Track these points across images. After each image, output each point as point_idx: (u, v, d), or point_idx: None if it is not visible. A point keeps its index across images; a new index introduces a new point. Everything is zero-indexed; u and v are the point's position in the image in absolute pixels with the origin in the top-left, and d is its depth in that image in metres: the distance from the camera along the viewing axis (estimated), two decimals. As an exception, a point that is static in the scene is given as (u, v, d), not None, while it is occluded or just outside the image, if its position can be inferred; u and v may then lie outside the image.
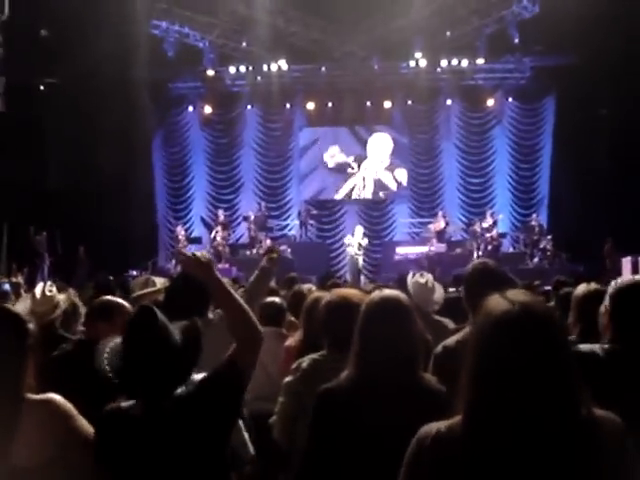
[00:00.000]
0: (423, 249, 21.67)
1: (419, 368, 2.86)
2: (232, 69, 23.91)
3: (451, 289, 8.03)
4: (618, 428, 1.89)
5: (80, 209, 19.89)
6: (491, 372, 1.84)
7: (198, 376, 2.71)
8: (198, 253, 2.96)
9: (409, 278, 5.89)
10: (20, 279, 16.33)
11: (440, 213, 22.47)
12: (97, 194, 20.43)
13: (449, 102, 24.72)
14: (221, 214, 22.63)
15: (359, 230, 21.50)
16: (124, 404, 2.65)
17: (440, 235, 21.76)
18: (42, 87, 21.97)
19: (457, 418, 1.92)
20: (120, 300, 4.14)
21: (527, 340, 1.83)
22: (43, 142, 20.35)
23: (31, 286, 12.97)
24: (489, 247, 21.09)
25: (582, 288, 4.15)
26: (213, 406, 2.63)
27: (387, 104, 24.55)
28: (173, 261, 22.33)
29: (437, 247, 21.35)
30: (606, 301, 3.08)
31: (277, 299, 5.59)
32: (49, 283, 4.71)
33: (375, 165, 24.92)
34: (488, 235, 21.34)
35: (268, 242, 21.10)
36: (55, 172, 20.87)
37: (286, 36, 23.07)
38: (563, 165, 22.20)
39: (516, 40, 22.73)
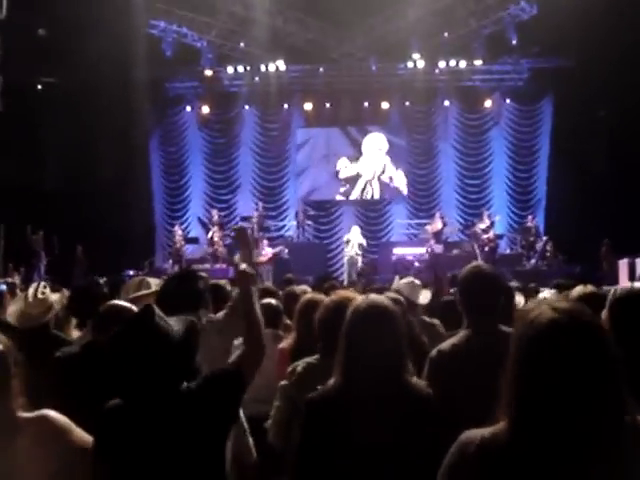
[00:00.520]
0: (420, 250, 21.67)
1: (406, 374, 2.85)
2: (230, 69, 23.91)
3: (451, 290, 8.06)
4: None
5: (77, 209, 19.88)
6: (540, 381, 1.83)
7: (201, 376, 2.73)
8: (245, 266, 3.06)
9: (395, 281, 6.06)
10: (17, 279, 16.34)
11: (437, 214, 22.44)
12: (94, 193, 20.41)
13: (447, 103, 24.74)
14: (215, 214, 22.57)
15: (356, 230, 21.52)
16: (124, 401, 2.65)
17: (437, 236, 21.74)
18: (40, 86, 21.96)
19: (500, 425, 1.92)
20: (130, 305, 4.13)
21: (576, 348, 1.82)
22: (41, 141, 20.34)
23: (28, 286, 12.99)
24: (486, 248, 21.08)
25: (578, 290, 4.16)
26: (213, 406, 2.63)
27: (385, 105, 24.58)
28: (170, 261, 22.35)
29: (434, 248, 21.34)
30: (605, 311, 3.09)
31: (273, 301, 5.59)
32: (42, 284, 4.68)
33: (373, 165, 24.93)
34: (485, 236, 21.32)
35: (265, 242, 21.13)
36: (52, 171, 20.87)
37: (284, 37, 23.07)
38: (560, 167, 22.22)
39: (514, 42, 22.74)
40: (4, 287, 6.15)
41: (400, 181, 24.94)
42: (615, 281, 17.13)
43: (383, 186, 25.01)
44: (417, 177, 25.13)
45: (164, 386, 2.59)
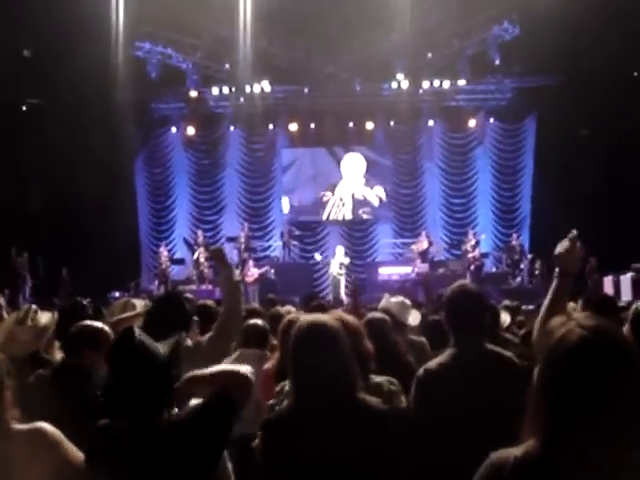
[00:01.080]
0: (406, 270, 21.71)
1: (356, 391, 2.82)
2: (215, 90, 23.93)
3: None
4: None
5: (62, 230, 19.82)
6: (572, 398, 1.83)
7: (192, 402, 2.71)
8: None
9: (384, 299, 5.98)
10: (1, 300, 16.21)
11: (423, 233, 22.49)
12: (79, 215, 20.36)
13: (431, 123, 24.85)
14: (201, 235, 22.52)
15: (340, 250, 21.54)
16: (113, 423, 2.63)
17: (423, 255, 21.78)
18: (24, 107, 21.93)
19: (531, 443, 1.90)
20: (103, 325, 4.10)
21: (607, 364, 1.82)
22: (25, 163, 20.29)
23: (12, 308, 12.89)
24: (472, 267, 21.14)
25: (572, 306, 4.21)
26: (202, 434, 2.61)
27: (369, 125, 24.68)
28: (156, 282, 22.28)
29: (420, 267, 21.38)
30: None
31: (260, 321, 5.56)
32: (33, 308, 4.61)
33: (351, 185, 25.00)
34: (471, 255, 21.38)
35: (251, 263, 21.13)
36: (37, 192, 20.83)
37: (269, 58, 23.15)
38: (544, 185, 22.33)
39: (497, 62, 22.92)
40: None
41: (373, 196, 24.98)
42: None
43: (357, 205, 25.04)
44: (402, 197, 25.19)
45: (149, 408, 2.58)
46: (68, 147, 19.67)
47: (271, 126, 25.04)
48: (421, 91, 23.78)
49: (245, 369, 2.71)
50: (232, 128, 25.18)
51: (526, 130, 24.46)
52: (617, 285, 18.19)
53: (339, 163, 25.12)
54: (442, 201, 25.07)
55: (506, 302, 7.97)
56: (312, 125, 24.80)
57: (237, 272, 21.43)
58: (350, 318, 3.62)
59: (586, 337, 1.86)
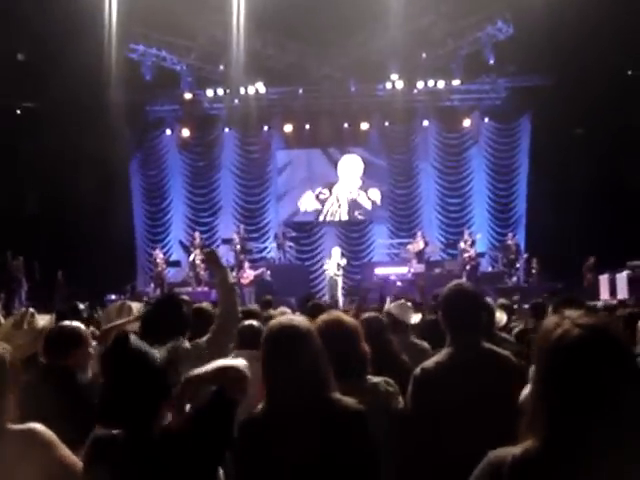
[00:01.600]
0: (402, 270, 21.73)
1: (329, 391, 2.81)
2: (210, 92, 23.93)
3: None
4: None
5: (58, 233, 19.81)
6: (571, 398, 1.83)
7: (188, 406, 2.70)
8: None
9: (387, 304, 6.02)
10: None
11: (419, 233, 22.50)
12: (74, 218, 20.35)
13: (426, 123, 24.87)
14: (197, 237, 22.54)
15: (336, 251, 21.54)
16: (110, 432, 2.61)
17: (419, 256, 21.79)
18: (19, 111, 21.90)
19: (529, 442, 1.90)
20: (81, 326, 4.11)
21: (605, 363, 1.83)
22: (20, 166, 20.26)
23: (8, 312, 12.88)
24: (468, 267, 21.16)
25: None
26: (204, 439, 2.58)
27: (364, 126, 24.68)
28: (152, 285, 22.26)
29: (416, 268, 21.40)
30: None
31: (255, 322, 5.56)
32: (30, 311, 4.60)
33: (347, 186, 25.02)
34: (467, 255, 21.41)
35: (246, 265, 21.14)
36: (33, 196, 20.79)
37: (263, 59, 23.14)
38: (540, 184, 22.37)
39: (491, 61, 22.93)
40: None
41: (365, 199, 25.01)
42: (596, 297, 17.28)
43: (352, 207, 25.07)
44: (397, 197, 25.20)
45: (146, 415, 2.56)
46: (63, 150, 19.65)
47: (266, 127, 25.05)
48: (416, 91, 23.79)
49: (240, 363, 2.71)
50: (227, 130, 25.17)
51: (521, 129, 24.48)
52: (613, 283, 18.21)
53: (335, 164, 25.12)
54: (437, 201, 25.08)
55: (501, 300, 7.96)
56: (307, 126, 24.81)
57: (232, 274, 21.47)
58: (348, 319, 3.61)
59: (585, 336, 1.86)
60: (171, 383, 2.65)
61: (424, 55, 23.31)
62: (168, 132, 25.29)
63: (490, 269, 23.15)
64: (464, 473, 2.04)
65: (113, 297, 18.85)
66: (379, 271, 22.09)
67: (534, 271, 21.19)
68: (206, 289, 20.38)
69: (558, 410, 1.85)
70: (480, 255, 22.33)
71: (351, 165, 25.11)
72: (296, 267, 23.70)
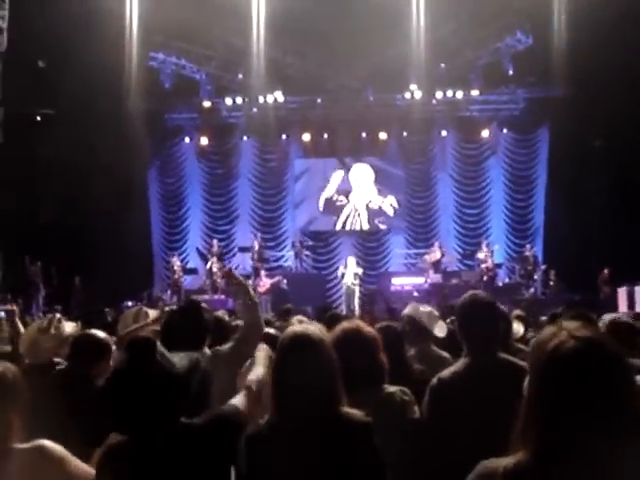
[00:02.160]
0: (419, 280, 21.67)
1: (338, 404, 2.77)
2: (228, 100, 24.00)
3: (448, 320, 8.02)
4: None
5: (76, 239, 19.89)
6: (564, 410, 1.82)
7: (207, 415, 2.70)
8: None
9: (410, 307, 5.86)
10: (15, 309, 16.25)
11: (436, 244, 22.42)
12: (93, 224, 20.45)
13: (444, 133, 24.83)
14: (215, 244, 22.61)
15: (352, 260, 21.49)
16: (125, 439, 2.61)
17: (436, 266, 21.73)
18: (39, 118, 22.04)
19: (521, 454, 1.89)
20: (109, 337, 4.13)
21: (599, 376, 1.82)
22: (39, 172, 20.37)
23: (26, 316, 12.93)
24: (485, 278, 21.08)
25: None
26: (210, 447, 2.59)
27: (382, 135, 24.67)
28: (169, 292, 22.31)
29: (433, 278, 21.34)
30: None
31: (272, 330, 5.56)
32: (57, 317, 4.62)
33: (363, 195, 25.01)
34: (484, 266, 21.34)
35: (263, 273, 21.17)
36: (51, 202, 20.87)
37: (282, 68, 23.21)
38: (558, 195, 22.25)
39: (510, 72, 22.92)
40: (3, 314, 6.11)
41: (387, 206, 24.98)
42: (614, 309, 17.15)
43: (371, 215, 25.04)
44: (415, 207, 25.15)
45: (164, 423, 2.55)
46: (82, 157, 19.73)
47: (284, 136, 25.08)
48: (434, 101, 23.78)
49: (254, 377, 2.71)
50: (245, 138, 25.23)
51: (539, 140, 24.39)
52: (631, 296, 18.08)
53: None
54: (455, 211, 25.01)
55: (517, 312, 7.90)
56: (325, 135, 24.82)
57: (249, 282, 21.50)
58: (367, 328, 3.61)
59: (579, 348, 1.85)
60: (194, 391, 2.65)
61: (443, 65, 23.31)
62: (187, 140, 25.38)
63: (507, 280, 23.02)
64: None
65: (130, 303, 18.87)
66: (396, 281, 22.01)
67: (552, 283, 21.07)
68: (223, 297, 20.41)
69: (550, 422, 1.84)
70: (497, 266, 22.24)
71: (362, 174, 25.10)
72: (312, 276, 23.67)
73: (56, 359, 4.38)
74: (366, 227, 25.18)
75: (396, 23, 20.53)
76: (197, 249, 24.49)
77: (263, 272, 21.40)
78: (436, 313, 5.88)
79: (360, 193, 25.06)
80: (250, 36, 21.72)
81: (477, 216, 24.94)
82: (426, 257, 22.21)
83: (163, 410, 2.54)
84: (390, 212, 24.97)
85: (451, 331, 5.41)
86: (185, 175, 25.61)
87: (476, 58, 23.21)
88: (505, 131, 24.68)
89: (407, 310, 5.81)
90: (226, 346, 4.42)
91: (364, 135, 24.73)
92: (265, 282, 20.83)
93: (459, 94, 23.45)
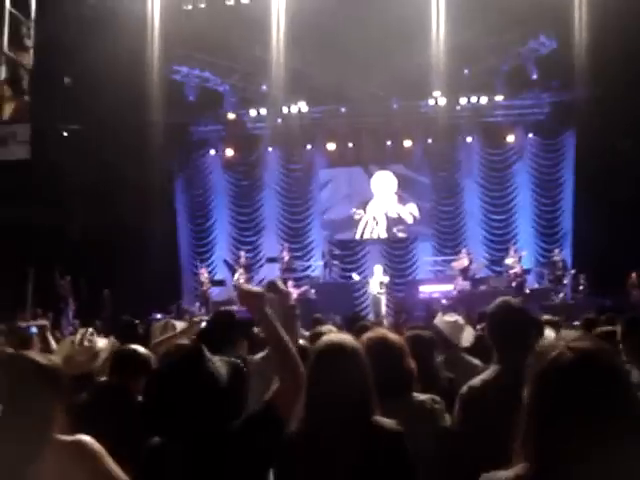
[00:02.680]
0: (447, 287, 21.57)
1: (371, 412, 2.76)
2: (253, 112, 24.12)
3: (478, 326, 7.97)
4: None
5: (104, 253, 20.02)
6: (560, 422, 1.82)
7: (243, 417, 2.71)
8: (252, 287, 2.97)
9: (438, 318, 5.89)
10: (46, 323, 16.38)
11: (463, 251, 22.34)
12: (120, 238, 20.58)
13: (469, 139, 24.74)
14: (243, 256, 22.69)
15: (378, 269, 21.46)
16: (166, 443, 2.64)
17: (464, 273, 21.63)
18: (65, 133, 22.25)
19: (520, 467, 1.90)
20: (145, 351, 4.16)
21: (588, 389, 1.81)
22: (67, 187, 20.55)
23: (57, 330, 13.03)
24: (514, 283, 20.95)
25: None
26: (251, 450, 2.61)
27: (407, 143, 24.64)
28: (197, 303, 22.39)
29: (461, 285, 21.24)
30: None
31: (301, 341, 5.56)
32: (90, 330, 4.68)
33: (383, 203, 24.98)
34: (512, 271, 21.22)
35: (290, 283, 21.18)
36: (79, 217, 21.04)
37: (305, 78, 23.26)
38: (585, 199, 22.09)
39: (534, 76, 22.82)
40: (35, 330, 6.18)
41: (407, 214, 24.92)
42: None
43: (390, 223, 25.00)
44: (442, 214, 25.08)
45: (208, 428, 2.57)
46: (108, 171, 19.93)
47: (309, 146, 25.12)
48: (458, 107, 23.70)
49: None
50: (270, 149, 25.29)
51: (565, 144, 24.23)
52: (662, 299, 17.91)
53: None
54: (482, 217, 24.90)
55: (546, 317, 7.83)
56: (350, 144, 24.82)
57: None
58: (394, 336, 3.60)
59: (575, 360, 1.85)
60: (236, 398, 2.67)
61: (466, 71, 23.24)
62: (212, 152, 25.50)
63: (536, 286, 22.85)
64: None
65: (159, 316, 18.96)
66: (424, 289, 21.94)
67: (581, 287, 20.90)
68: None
69: (549, 435, 1.84)
70: (526, 272, 22.10)
71: (384, 181, 25.07)
72: (340, 285, 23.62)
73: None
74: (384, 236, 25.13)
75: (418, 30, 20.53)
76: (225, 260, 24.58)
77: (290, 282, 21.40)
78: (462, 322, 5.88)
79: (380, 201, 25.02)
80: (272, 47, 21.78)
81: (504, 222, 24.81)
82: (454, 264, 22.14)
83: (208, 414, 2.57)
84: (409, 220, 24.91)
85: (480, 337, 5.38)
86: (211, 187, 25.73)
87: (500, 63, 23.13)
88: (530, 136, 24.54)
89: (436, 320, 5.84)
90: (259, 355, 4.43)
91: (389, 143, 24.71)
92: (292, 292, 20.84)
93: (483, 100, 23.38)
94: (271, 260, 23.29)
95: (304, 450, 2.70)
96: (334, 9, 20.09)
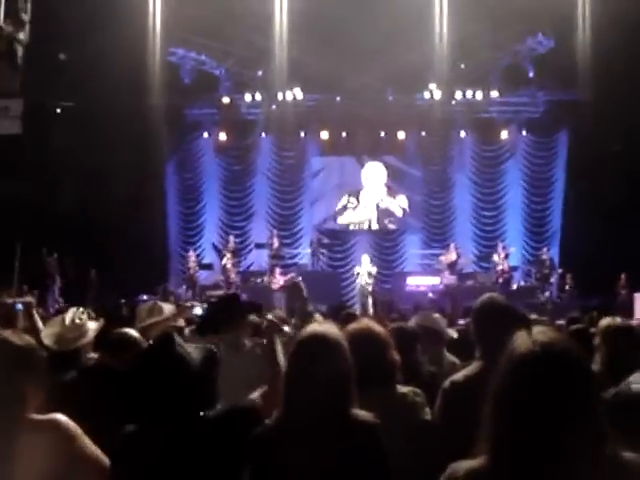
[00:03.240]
0: (434, 280, 21.63)
1: (349, 405, 2.73)
2: (248, 97, 24.03)
3: (461, 321, 8.01)
4: None
5: (92, 232, 19.94)
6: (515, 414, 1.84)
7: (223, 407, 2.73)
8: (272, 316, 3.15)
9: (420, 316, 5.89)
10: (32, 300, 16.33)
11: (452, 245, 22.39)
12: (109, 217, 20.49)
13: (463, 134, 24.75)
14: (231, 240, 22.66)
15: (365, 259, 21.48)
16: (140, 427, 2.66)
17: (452, 267, 21.68)
18: (58, 110, 22.12)
19: (482, 458, 1.92)
20: (137, 335, 4.18)
21: (551, 381, 1.82)
22: (57, 164, 20.45)
23: (42, 308, 13.01)
24: (500, 280, 21.02)
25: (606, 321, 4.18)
26: (224, 440, 2.64)
27: (401, 135, 24.63)
28: (184, 286, 22.37)
29: (448, 279, 21.29)
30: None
31: (287, 328, 5.56)
32: (80, 310, 4.69)
33: (374, 194, 24.99)
34: (499, 268, 21.29)
35: (277, 271, 21.18)
36: (69, 194, 20.96)
37: (302, 66, 23.16)
38: (576, 199, 22.17)
39: (530, 74, 22.84)
40: (20, 307, 6.17)
41: (396, 207, 24.93)
42: (630, 314, 17.06)
43: (381, 214, 25.01)
44: (432, 207, 25.11)
45: (180, 414, 2.59)
46: (100, 150, 19.83)
47: (302, 134, 25.04)
48: (454, 102, 23.70)
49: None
50: (263, 135, 25.21)
51: (558, 143, 24.29)
52: (647, 301, 17.99)
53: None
54: (472, 213, 24.95)
55: (534, 316, 7.87)
56: (343, 134, 24.77)
57: (264, 279, 21.57)
58: (378, 327, 3.59)
59: (536, 353, 1.87)
60: (208, 385, 2.68)
61: (463, 66, 23.21)
62: (205, 135, 25.40)
63: (523, 283, 22.93)
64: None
65: (145, 297, 18.94)
66: (410, 281, 21.99)
67: (567, 287, 20.98)
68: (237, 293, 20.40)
69: (506, 425, 1.85)
70: (513, 269, 22.16)
71: (375, 172, 25.08)
72: (327, 274, 23.65)
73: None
74: (375, 227, 25.15)
75: (417, 23, 20.47)
76: (213, 244, 24.54)
77: (278, 269, 21.41)
78: (438, 316, 5.93)
79: (371, 192, 25.02)
80: (271, 33, 21.69)
81: (494, 218, 24.87)
82: (442, 258, 22.19)
83: (178, 400, 2.60)
84: (398, 213, 24.94)
85: (463, 332, 5.41)
86: (203, 170, 25.66)
87: (496, 59, 23.14)
88: (524, 133, 24.58)
89: (416, 320, 5.79)
90: (258, 341, 4.45)
91: (382, 134, 24.69)
92: (279, 279, 20.85)
93: (479, 95, 23.38)
94: (259, 246, 23.27)
95: (280, 443, 2.69)
96: (334, -1, 20.05)
